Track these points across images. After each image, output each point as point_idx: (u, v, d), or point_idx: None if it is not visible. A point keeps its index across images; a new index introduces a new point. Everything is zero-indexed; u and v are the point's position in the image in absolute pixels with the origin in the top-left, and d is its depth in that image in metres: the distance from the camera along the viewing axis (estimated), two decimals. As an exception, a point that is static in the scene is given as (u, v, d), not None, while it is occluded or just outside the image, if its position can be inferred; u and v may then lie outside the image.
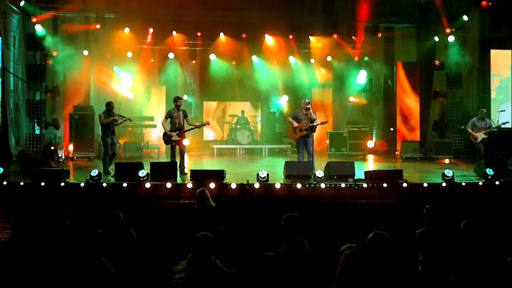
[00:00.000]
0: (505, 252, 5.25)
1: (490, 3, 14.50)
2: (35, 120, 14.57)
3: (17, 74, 14.50)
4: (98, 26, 15.47)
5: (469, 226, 5.62)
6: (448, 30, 15.69)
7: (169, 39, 16.71)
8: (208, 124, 12.39)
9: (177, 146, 11.22)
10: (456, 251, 5.80)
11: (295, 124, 11.05)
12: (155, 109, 16.94)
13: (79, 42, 15.84)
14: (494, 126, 12.74)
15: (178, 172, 10.49)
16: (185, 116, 11.33)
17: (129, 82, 16.48)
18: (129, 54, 16.27)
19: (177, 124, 11.16)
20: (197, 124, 11.96)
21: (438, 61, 16.71)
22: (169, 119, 11.24)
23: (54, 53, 14.80)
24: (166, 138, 11.23)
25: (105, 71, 16.24)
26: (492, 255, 5.36)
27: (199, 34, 16.72)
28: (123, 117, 11.75)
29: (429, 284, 5.99)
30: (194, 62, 17.70)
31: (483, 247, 5.44)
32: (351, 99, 17.80)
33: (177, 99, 11.36)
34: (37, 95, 14.75)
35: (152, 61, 17.22)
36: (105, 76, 16.28)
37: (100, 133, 11.93)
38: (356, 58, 17.58)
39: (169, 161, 11.19)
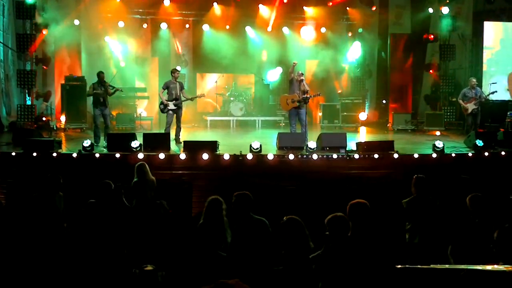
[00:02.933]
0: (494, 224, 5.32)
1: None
2: (26, 91, 14.42)
3: (6, 44, 14.30)
4: None
5: (475, 200, 5.63)
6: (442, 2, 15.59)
7: (161, 9, 16.44)
8: (204, 96, 12.60)
9: (174, 115, 11.49)
10: (446, 221, 5.90)
11: (288, 95, 11.07)
12: (148, 80, 16.80)
13: (70, 12, 15.54)
14: (484, 96, 12.79)
15: (174, 140, 10.69)
16: (182, 88, 11.63)
17: (121, 52, 16.28)
18: (121, 24, 16.01)
19: (173, 95, 11.49)
20: (192, 96, 12.11)
21: (432, 33, 16.63)
22: (166, 90, 11.56)
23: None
24: (163, 106, 11.52)
25: (96, 41, 16.02)
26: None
27: (192, 2, 16.46)
28: (113, 87, 11.66)
29: (417, 252, 6.13)
30: (187, 27, 17.27)
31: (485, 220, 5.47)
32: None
33: (174, 71, 11.72)
34: (27, 65, 14.54)
35: (145, 26, 16.75)
36: (96, 46, 16.07)
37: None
38: (350, 34, 17.47)
39: (163, 132, 11.25)
